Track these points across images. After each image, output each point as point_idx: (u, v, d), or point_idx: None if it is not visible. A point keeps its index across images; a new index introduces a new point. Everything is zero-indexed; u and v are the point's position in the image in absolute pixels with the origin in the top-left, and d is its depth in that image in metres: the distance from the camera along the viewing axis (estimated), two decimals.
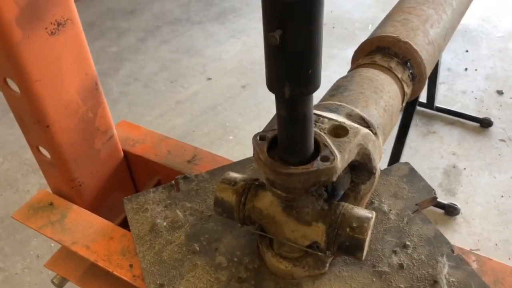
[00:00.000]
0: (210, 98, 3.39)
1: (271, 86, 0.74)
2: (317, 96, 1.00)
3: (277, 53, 0.68)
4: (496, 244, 2.33)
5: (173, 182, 1.17)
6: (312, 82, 0.72)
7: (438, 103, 3.01)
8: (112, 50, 3.93)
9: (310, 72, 0.70)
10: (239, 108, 3.28)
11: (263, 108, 3.23)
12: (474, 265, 1.00)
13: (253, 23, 4.18)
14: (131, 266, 1.05)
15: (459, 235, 2.37)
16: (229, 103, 3.33)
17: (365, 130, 0.88)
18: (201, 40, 4.02)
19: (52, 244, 2.47)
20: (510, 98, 3.12)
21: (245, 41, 3.94)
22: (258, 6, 4.41)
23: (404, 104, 1.18)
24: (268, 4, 0.64)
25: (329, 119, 0.89)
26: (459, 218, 2.45)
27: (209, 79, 3.59)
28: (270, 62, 0.71)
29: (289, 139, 0.80)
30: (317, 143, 0.84)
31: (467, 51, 3.56)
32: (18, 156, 3.02)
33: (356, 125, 0.89)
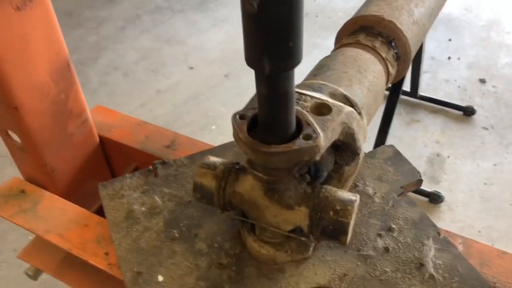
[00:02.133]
0: (192, 88, 3.34)
1: (250, 61, 0.70)
2: (300, 77, 0.96)
3: (256, 24, 0.64)
4: (480, 231, 2.34)
5: (150, 167, 1.12)
6: (293, 56, 0.68)
7: (422, 91, 3.00)
8: (91, 40, 3.84)
9: (291, 44, 0.66)
10: (222, 97, 3.23)
11: (247, 97, 3.18)
12: (460, 248, 0.98)
13: (236, 12, 4.12)
14: (106, 254, 1.00)
15: (443, 223, 2.37)
16: (211, 93, 3.28)
17: (349, 109, 0.85)
18: (182, 29, 3.95)
19: (30, 237, 2.39)
20: (493, 86, 3.13)
21: (228, 30, 3.89)
22: None
23: (388, 85, 1.15)
24: None
25: (312, 97, 0.86)
26: (443, 205, 2.46)
27: (191, 68, 3.53)
28: (248, 34, 0.67)
29: (269, 117, 0.76)
30: (299, 122, 0.80)
31: (450, 40, 3.56)
32: None
33: (339, 103, 0.86)
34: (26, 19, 0.93)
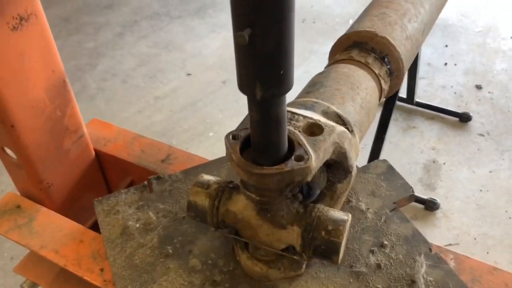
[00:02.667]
0: (190, 94, 3.34)
1: (242, 87, 0.71)
2: (294, 93, 0.97)
3: (247, 53, 0.65)
4: (475, 238, 2.35)
5: (145, 182, 1.13)
6: (284, 83, 0.69)
7: (418, 98, 3.01)
8: (89, 46, 3.85)
9: (281, 72, 0.67)
10: (219, 104, 3.24)
11: (244, 104, 3.16)
12: (452, 263, 0.99)
13: None
14: (101, 270, 1.01)
15: (439, 230, 2.38)
16: (209, 99, 3.29)
17: (340, 128, 0.86)
18: (180, 35, 3.96)
19: None
20: (489, 92, 3.15)
21: (225, 36, 3.90)
22: None
23: (381, 101, 1.16)
24: (237, 2, 0.61)
25: (304, 116, 0.87)
26: (438, 213, 2.46)
27: (189, 74, 3.54)
28: (240, 62, 0.68)
29: (262, 141, 0.78)
30: (291, 142, 0.81)
31: (446, 46, 3.58)
32: None
33: (331, 123, 0.87)
34: (22, 39, 0.94)
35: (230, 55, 3.65)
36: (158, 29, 4.04)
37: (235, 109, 3.16)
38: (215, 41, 3.86)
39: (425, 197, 2.47)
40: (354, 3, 4.16)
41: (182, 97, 3.32)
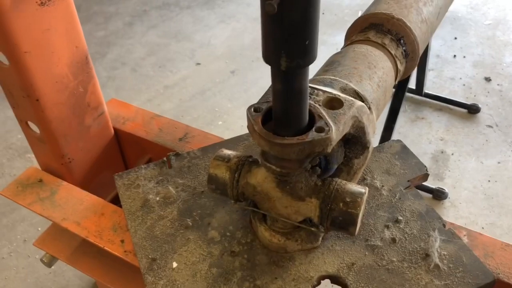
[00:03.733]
0: (199, 83, 3.37)
1: (267, 58, 0.73)
2: (311, 72, 0.99)
3: (275, 23, 0.67)
4: (483, 228, 2.36)
5: (164, 158, 1.15)
6: (309, 53, 0.71)
7: (427, 89, 3.02)
8: (99, 35, 3.87)
9: (307, 43, 0.69)
10: (228, 93, 3.26)
11: (252, 93, 3.21)
12: (465, 240, 1.01)
13: (242, 8, 4.15)
14: (122, 241, 1.04)
15: (447, 219, 2.35)
16: (218, 88, 3.31)
17: (359, 103, 0.88)
18: (189, 25, 3.98)
19: (39, 228, 2.44)
20: (498, 85, 3.15)
21: (234, 26, 3.91)
22: None
23: (397, 82, 1.18)
24: None
25: (324, 91, 0.89)
26: (446, 202, 2.48)
27: (198, 64, 3.56)
28: (266, 32, 0.70)
29: (284, 112, 0.80)
30: (312, 115, 0.83)
31: (455, 38, 3.58)
32: (4, 140, 2.97)
33: (351, 97, 0.89)
34: (49, 14, 0.97)
35: (239, 46, 3.67)
36: (168, 19, 4.06)
37: (243, 98, 3.19)
38: (224, 31, 3.87)
39: (433, 186, 2.49)
40: None
41: (191, 86, 3.34)
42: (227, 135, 2.92)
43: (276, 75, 0.75)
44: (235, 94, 3.24)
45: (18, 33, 0.93)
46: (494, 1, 3.97)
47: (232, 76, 3.41)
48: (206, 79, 3.40)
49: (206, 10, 4.16)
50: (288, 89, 0.75)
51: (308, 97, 0.83)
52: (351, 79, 1.00)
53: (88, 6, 4.23)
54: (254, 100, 3.35)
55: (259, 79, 3.26)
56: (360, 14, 4.15)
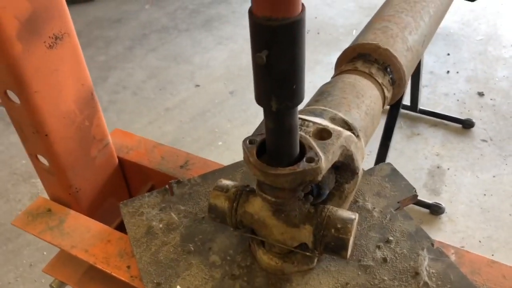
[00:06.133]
0: (199, 105, 3.45)
1: (259, 100, 0.80)
2: (303, 102, 1.06)
3: (264, 72, 0.74)
4: (480, 241, 2.41)
5: (167, 186, 1.22)
6: (296, 96, 0.78)
7: (422, 105, 3.10)
8: (100, 59, 3.97)
9: (294, 87, 0.76)
10: (227, 114, 3.34)
11: (251, 113, 3.29)
12: (453, 257, 1.06)
13: (240, 30, 4.25)
14: (128, 267, 1.10)
15: (444, 233, 2.45)
16: (217, 109, 3.39)
17: (347, 133, 0.95)
18: (188, 48, 4.07)
19: (45, 253, 2.49)
20: (491, 99, 3.23)
21: (232, 48, 4.01)
22: (243, 13, 4.49)
23: (385, 107, 1.24)
24: (255, 27, 0.70)
25: (314, 123, 0.95)
26: (444, 217, 2.53)
27: (197, 86, 3.64)
28: (258, 79, 0.77)
29: (276, 146, 0.86)
30: (302, 146, 0.89)
31: (448, 54, 3.66)
32: (8, 166, 3.03)
33: (339, 128, 0.95)
34: (57, 56, 1.04)
35: (237, 66, 3.76)
36: (167, 42, 4.16)
37: (242, 118, 3.26)
38: (222, 53, 3.97)
39: (430, 201, 2.54)
40: (357, 14, 4.27)
41: (191, 108, 3.42)
42: (227, 155, 3.00)
43: (267, 115, 0.82)
44: (234, 114, 3.32)
45: (29, 74, 1.00)
46: (484, 16, 4.07)
47: (231, 97, 3.49)
48: (205, 101, 3.48)
49: (204, 33, 4.26)
50: (279, 127, 0.82)
51: (298, 131, 0.89)
52: (340, 108, 1.06)
53: (89, 31, 4.34)
54: (253, 119, 3.43)
55: None
56: (354, 33, 4.24)
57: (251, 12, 0.70)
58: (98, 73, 3.79)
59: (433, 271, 1.01)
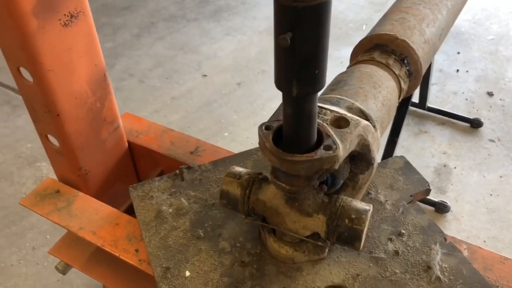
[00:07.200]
0: (205, 95, 3.42)
1: (279, 85, 0.78)
2: None
3: (287, 55, 0.72)
4: (485, 241, 2.40)
5: (177, 171, 1.20)
6: (318, 82, 0.76)
7: (430, 103, 3.07)
8: (107, 46, 3.95)
9: (316, 72, 0.75)
10: (234, 105, 3.32)
11: (258, 105, 3.27)
12: (465, 253, 1.05)
13: (248, 21, 4.22)
14: (136, 251, 1.09)
15: (449, 232, 2.41)
16: (224, 100, 3.36)
17: (365, 122, 0.93)
18: (196, 37, 4.05)
19: (48, 236, 2.49)
20: (500, 99, 3.20)
21: (240, 39, 3.98)
22: (253, 4, 4.46)
23: (400, 100, 1.23)
24: (280, 9, 0.68)
25: (331, 110, 0.94)
26: (449, 215, 2.52)
27: (204, 76, 3.62)
28: (279, 63, 0.75)
29: (294, 133, 0.85)
30: (320, 133, 0.88)
31: (458, 53, 3.63)
32: (13, 149, 3.03)
33: (356, 117, 0.94)
34: (71, 34, 1.03)
35: (244, 58, 3.73)
36: (175, 31, 4.14)
37: (249, 110, 3.24)
38: (230, 44, 3.94)
39: (435, 200, 2.53)
40: (367, 9, 4.23)
41: (198, 98, 3.40)
42: (233, 146, 2.99)
43: (287, 100, 0.80)
44: (241, 106, 3.30)
45: (43, 52, 0.98)
46: (496, 16, 4.03)
47: (238, 88, 3.46)
48: (212, 91, 3.46)
49: (213, 23, 4.23)
50: (298, 113, 0.80)
51: (317, 116, 0.88)
52: (357, 98, 1.05)
53: (96, 18, 4.27)
54: (260, 111, 3.41)
55: (264, 91, 3.32)
56: (364, 28, 4.18)
57: None
58: (105, 60, 3.71)
59: (446, 265, 1.00)
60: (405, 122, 2.42)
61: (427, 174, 2.71)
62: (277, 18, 0.70)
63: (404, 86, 1.20)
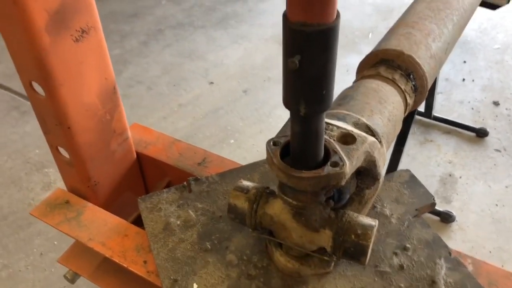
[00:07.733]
0: (212, 102, 3.45)
1: (287, 104, 0.80)
2: None
3: (295, 76, 0.74)
4: (490, 252, 2.39)
5: (185, 183, 1.22)
6: (325, 102, 0.78)
7: (436, 112, 3.08)
8: (115, 53, 3.98)
9: (324, 92, 0.76)
10: (240, 112, 3.34)
11: (264, 112, 3.29)
12: (470, 267, 1.06)
13: (255, 29, 4.25)
14: (145, 262, 1.10)
15: (454, 242, 2.43)
16: (230, 107, 3.39)
17: (371, 139, 0.94)
18: (203, 45, 4.08)
19: (55, 242, 2.51)
20: (506, 109, 3.20)
21: (246, 46, 4.01)
22: (259, 12, 4.49)
23: (406, 114, 1.24)
24: (289, 32, 0.70)
25: (338, 127, 0.95)
26: (454, 225, 2.52)
27: (211, 83, 3.64)
28: (288, 83, 0.77)
29: (302, 150, 0.86)
30: (327, 150, 0.89)
31: (464, 62, 3.64)
32: (22, 154, 3.06)
33: (363, 133, 0.95)
34: (82, 49, 1.05)
35: (251, 65, 3.76)
36: (182, 39, 4.17)
37: (255, 117, 3.26)
38: (237, 51, 3.97)
39: (441, 209, 2.53)
40: (374, 17, 4.25)
41: (204, 105, 3.43)
42: (238, 153, 3.01)
43: (295, 119, 0.82)
44: (247, 113, 3.32)
45: (55, 67, 1.01)
46: (502, 25, 4.04)
47: (244, 96, 3.49)
48: (218, 98, 3.48)
49: (219, 30, 4.26)
50: (305, 131, 0.82)
51: (324, 134, 0.89)
52: (363, 113, 1.06)
53: (105, 25, 4.31)
54: (266, 119, 3.42)
55: (270, 99, 3.34)
56: (370, 36, 4.19)
57: (285, 16, 0.70)
58: (113, 66, 3.78)
59: (450, 280, 1.00)
60: (411, 131, 2.43)
61: (433, 183, 2.72)
62: (286, 41, 0.72)
63: (410, 101, 1.21)
